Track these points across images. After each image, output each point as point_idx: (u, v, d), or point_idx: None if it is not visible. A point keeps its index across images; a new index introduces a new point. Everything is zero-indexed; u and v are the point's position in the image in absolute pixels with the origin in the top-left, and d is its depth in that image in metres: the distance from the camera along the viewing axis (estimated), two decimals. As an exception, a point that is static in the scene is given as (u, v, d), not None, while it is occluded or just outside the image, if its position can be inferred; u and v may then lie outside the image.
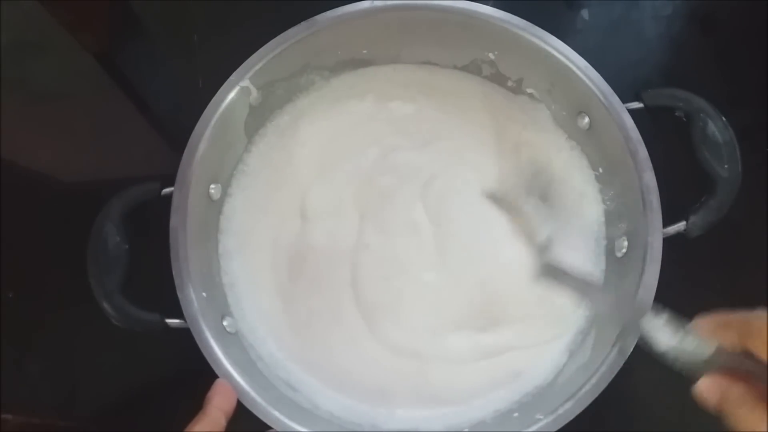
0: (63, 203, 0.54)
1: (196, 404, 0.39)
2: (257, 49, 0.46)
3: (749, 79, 0.58)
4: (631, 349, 0.38)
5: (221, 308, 0.44)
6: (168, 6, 0.63)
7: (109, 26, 0.61)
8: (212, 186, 0.46)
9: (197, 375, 0.39)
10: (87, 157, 0.57)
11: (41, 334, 0.50)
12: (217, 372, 0.39)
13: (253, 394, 0.38)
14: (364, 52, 0.51)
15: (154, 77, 0.60)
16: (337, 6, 0.47)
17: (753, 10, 0.61)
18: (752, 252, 0.52)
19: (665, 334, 0.33)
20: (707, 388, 0.30)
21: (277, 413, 0.38)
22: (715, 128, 0.44)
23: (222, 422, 0.37)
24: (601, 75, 0.45)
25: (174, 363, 0.49)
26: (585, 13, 0.61)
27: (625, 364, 0.38)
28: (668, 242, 0.41)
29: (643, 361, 0.38)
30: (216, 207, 0.47)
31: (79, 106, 0.58)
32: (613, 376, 0.38)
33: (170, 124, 0.58)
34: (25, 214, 0.54)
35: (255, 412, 0.38)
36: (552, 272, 0.43)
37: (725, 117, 0.44)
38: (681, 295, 0.48)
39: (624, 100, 0.44)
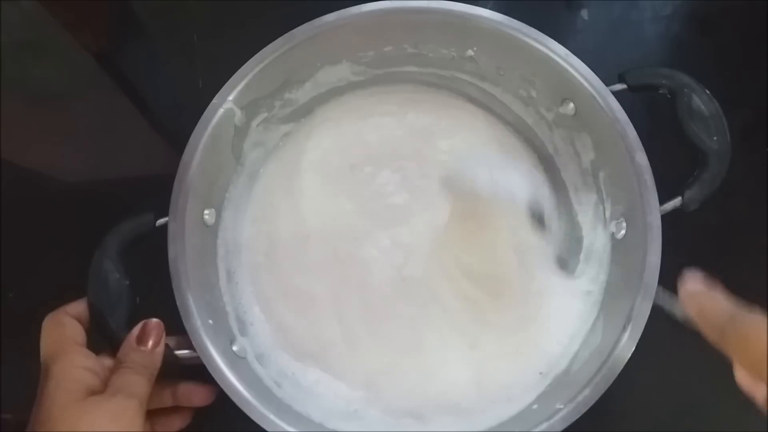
0: (63, 203, 0.54)
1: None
2: (257, 50, 0.46)
3: (749, 79, 0.58)
4: (641, 331, 0.38)
5: (228, 333, 0.43)
6: (168, 6, 0.63)
7: (109, 26, 0.61)
8: (206, 211, 0.45)
9: (196, 373, 0.39)
10: (87, 157, 0.57)
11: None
12: (234, 400, 0.38)
13: (271, 416, 0.37)
14: (344, 61, 0.51)
15: (154, 77, 0.60)
16: (342, 5, 0.47)
17: (753, 10, 0.61)
18: (752, 252, 0.52)
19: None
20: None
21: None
22: (700, 102, 0.43)
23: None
24: (600, 75, 0.45)
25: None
26: (584, 14, 0.61)
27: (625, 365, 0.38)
28: (667, 240, 0.41)
29: (643, 361, 0.38)
30: (212, 232, 0.47)
31: (79, 106, 0.58)
32: (626, 359, 0.38)
33: (170, 124, 0.58)
34: (25, 214, 0.54)
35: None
36: None
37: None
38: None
39: (607, 84, 0.45)
